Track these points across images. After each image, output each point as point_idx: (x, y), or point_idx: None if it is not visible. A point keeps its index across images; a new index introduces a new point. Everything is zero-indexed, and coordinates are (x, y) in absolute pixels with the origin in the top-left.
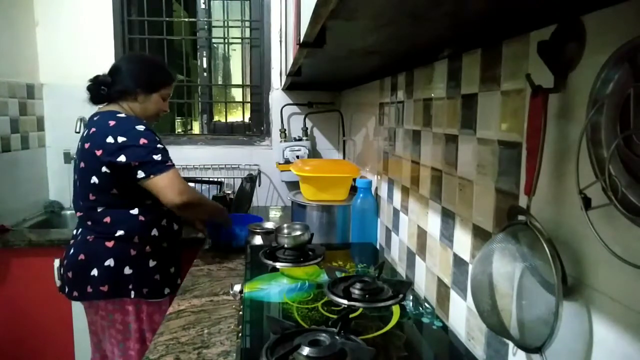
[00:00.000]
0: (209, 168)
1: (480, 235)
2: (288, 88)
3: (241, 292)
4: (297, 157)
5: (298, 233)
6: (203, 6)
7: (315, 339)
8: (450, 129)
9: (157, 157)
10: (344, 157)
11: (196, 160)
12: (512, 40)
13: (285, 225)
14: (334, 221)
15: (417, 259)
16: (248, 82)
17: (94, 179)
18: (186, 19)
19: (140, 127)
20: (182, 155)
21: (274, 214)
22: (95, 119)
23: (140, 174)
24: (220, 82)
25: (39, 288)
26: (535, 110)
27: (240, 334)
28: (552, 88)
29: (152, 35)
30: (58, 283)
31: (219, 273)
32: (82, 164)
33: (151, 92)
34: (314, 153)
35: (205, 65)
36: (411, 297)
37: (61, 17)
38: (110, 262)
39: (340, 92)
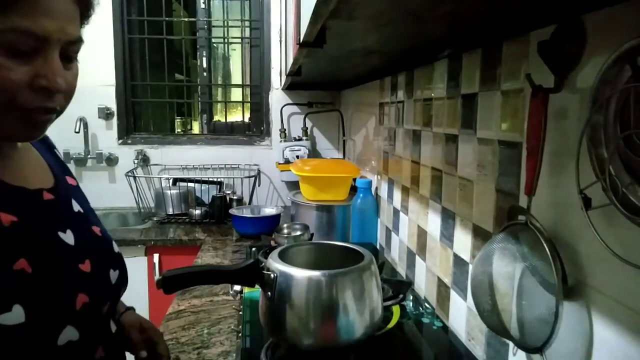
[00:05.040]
0: (209, 168)
1: (481, 235)
2: (288, 88)
3: (241, 292)
4: (297, 157)
5: (298, 233)
6: (203, 6)
7: None
8: (450, 129)
9: None
10: (344, 157)
11: (196, 160)
12: (512, 40)
13: (285, 225)
14: (334, 221)
15: (417, 259)
16: (248, 82)
17: None
18: (186, 19)
19: None
20: (182, 155)
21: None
22: None
23: None
24: (220, 82)
25: None
26: (535, 110)
27: (240, 334)
28: (552, 88)
29: (152, 35)
30: None
31: None
32: None
33: None
34: (314, 153)
35: (205, 65)
36: (411, 297)
37: None
38: None
39: (340, 92)
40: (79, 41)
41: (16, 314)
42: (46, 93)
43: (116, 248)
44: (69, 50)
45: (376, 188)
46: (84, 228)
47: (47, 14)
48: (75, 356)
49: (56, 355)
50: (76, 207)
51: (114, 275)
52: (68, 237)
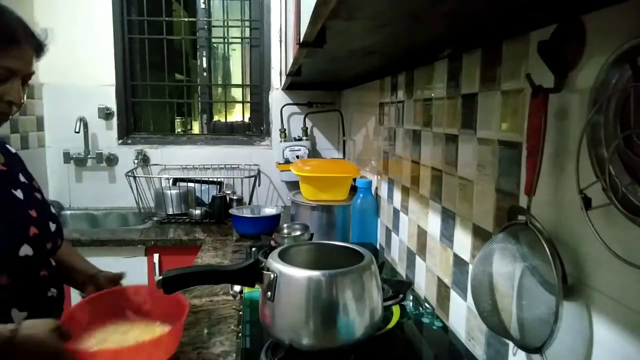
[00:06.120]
0: (209, 168)
1: (481, 235)
2: (288, 88)
3: (241, 292)
4: (297, 157)
5: (298, 233)
6: (203, 6)
7: None
8: (450, 129)
9: None
10: (344, 157)
11: (196, 160)
12: (512, 40)
13: (285, 225)
14: (334, 221)
15: (417, 259)
16: (248, 82)
17: None
18: (186, 19)
19: None
20: (182, 155)
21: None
22: None
23: None
24: (220, 82)
25: None
26: (535, 110)
27: (240, 334)
28: (552, 88)
29: (152, 35)
30: None
31: None
32: None
33: None
34: (314, 153)
35: (205, 65)
36: (411, 297)
37: (61, 17)
38: None
39: (340, 92)
40: (32, 73)
41: None
42: (9, 105)
43: (54, 210)
44: (26, 79)
45: (376, 188)
46: (29, 192)
47: (19, 58)
48: (29, 267)
49: (18, 263)
50: (22, 179)
51: (52, 226)
52: (18, 193)
